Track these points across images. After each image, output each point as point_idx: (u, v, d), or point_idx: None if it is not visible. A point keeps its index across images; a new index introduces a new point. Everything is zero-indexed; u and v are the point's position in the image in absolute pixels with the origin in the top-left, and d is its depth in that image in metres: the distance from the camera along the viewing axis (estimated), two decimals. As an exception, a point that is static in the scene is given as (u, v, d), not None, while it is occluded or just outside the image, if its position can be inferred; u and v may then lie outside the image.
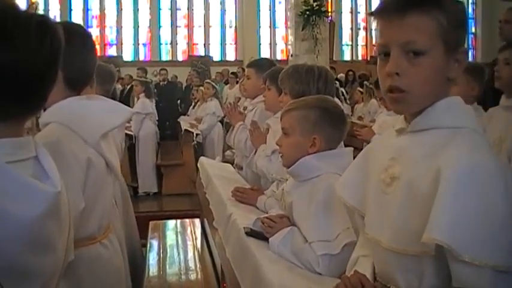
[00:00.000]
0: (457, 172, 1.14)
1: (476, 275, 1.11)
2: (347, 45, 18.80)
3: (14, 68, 1.10)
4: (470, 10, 18.64)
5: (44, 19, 1.16)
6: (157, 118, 8.53)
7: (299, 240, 1.87)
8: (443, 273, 1.18)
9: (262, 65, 3.73)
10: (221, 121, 8.29)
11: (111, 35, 17.52)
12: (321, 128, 2.00)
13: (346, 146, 2.22)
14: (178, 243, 4.20)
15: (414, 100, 1.28)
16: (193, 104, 9.95)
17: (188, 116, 9.89)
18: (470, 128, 1.25)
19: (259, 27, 18.01)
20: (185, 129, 8.19)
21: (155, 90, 9.56)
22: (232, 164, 3.97)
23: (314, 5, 11.82)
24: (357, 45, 18.90)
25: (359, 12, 18.80)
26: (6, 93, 1.11)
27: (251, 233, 2.04)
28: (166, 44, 17.78)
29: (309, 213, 1.88)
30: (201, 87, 9.20)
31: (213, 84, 8.74)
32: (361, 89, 9.90)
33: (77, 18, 16.41)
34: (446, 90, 1.29)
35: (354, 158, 2.07)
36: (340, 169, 1.95)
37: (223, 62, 17.20)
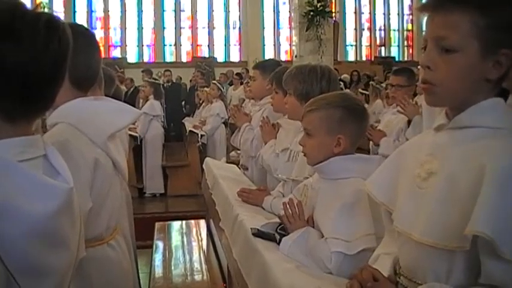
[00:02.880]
0: (502, 170, 1.15)
1: (509, 272, 1.12)
2: (351, 45, 18.76)
3: (23, 68, 1.10)
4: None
5: (52, 18, 1.16)
6: (162, 120, 8.54)
7: (314, 239, 1.86)
8: (472, 270, 1.20)
9: (268, 66, 3.74)
10: (224, 123, 8.29)
11: (115, 36, 17.54)
12: (346, 127, 1.99)
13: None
14: (183, 244, 4.22)
15: (443, 94, 1.31)
16: (198, 105, 9.95)
17: (193, 117, 9.89)
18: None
19: (263, 28, 18.01)
20: (190, 130, 8.19)
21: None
22: (237, 165, 3.97)
23: (318, 6, 11.81)
24: (361, 45, 18.85)
25: (363, 13, 18.76)
26: (15, 94, 1.11)
27: (258, 234, 2.03)
28: (170, 45, 17.78)
29: (332, 213, 1.86)
30: (206, 88, 9.20)
31: (219, 85, 8.74)
32: (362, 91, 9.87)
33: (81, 19, 16.43)
34: (487, 90, 1.29)
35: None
36: (369, 175, 1.95)
37: (227, 63, 17.20)
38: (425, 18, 1.35)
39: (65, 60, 1.19)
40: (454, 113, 1.32)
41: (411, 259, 1.35)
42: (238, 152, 4.47)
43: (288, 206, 1.97)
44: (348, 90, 9.74)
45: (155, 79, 9.61)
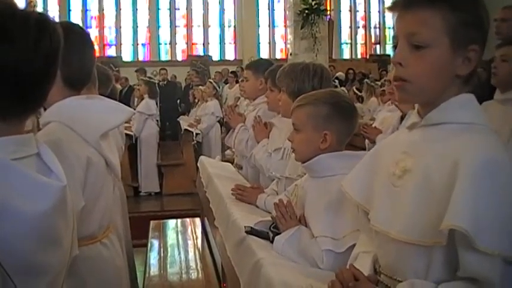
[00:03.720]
0: (475, 165, 1.17)
1: (486, 264, 1.14)
2: (346, 43, 18.78)
3: (14, 67, 1.11)
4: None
5: (43, 17, 1.17)
6: (157, 118, 8.53)
7: (306, 238, 1.87)
8: (451, 264, 1.21)
9: (260, 66, 3.73)
10: (220, 121, 8.30)
11: (110, 35, 17.51)
12: (332, 123, 2.00)
13: (348, 144, 2.21)
14: (179, 242, 4.21)
15: (415, 90, 1.32)
16: (193, 103, 9.95)
17: (188, 116, 9.89)
18: (483, 124, 1.29)
19: (258, 26, 18.00)
20: (185, 129, 8.20)
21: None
22: (232, 163, 3.97)
23: (313, 4, 11.81)
24: (356, 43, 18.87)
25: (358, 11, 18.78)
26: (7, 92, 1.12)
27: (251, 232, 2.04)
28: (165, 44, 17.77)
29: (320, 210, 1.88)
30: (201, 87, 9.20)
31: (214, 84, 8.75)
32: (356, 91, 9.89)
33: (75, 18, 16.38)
34: (457, 86, 1.32)
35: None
36: None
37: (222, 61, 17.19)
38: None
39: (56, 57, 1.19)
40: (426, 111, 1.34)
41: (390, 257, 1.36)
42: (233, 150, 4.46)
43: (278, 206, 1.99)
44: (343, 88, 9.77)
45: (150, 78, 9.60)
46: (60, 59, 1.20)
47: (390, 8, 1.37)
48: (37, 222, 1.09)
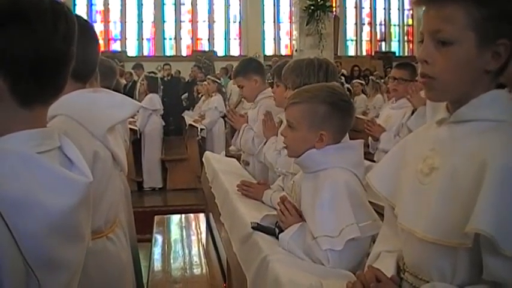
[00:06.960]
0: (504, 165, 1.14)
1: (510, 269, 1.11)
2: (351, 40, 18.74)
3: (35, 50, 1.10)
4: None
5: (54, 0, 1.17)
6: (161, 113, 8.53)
7: (309, 237, 1.84)
8: (477, 266, 1.19)
9: (246, 68, 3.77)
10: (223, 117, 8.28)
11: (115, 30, 17.50)
12: (329, 123, 1.95)
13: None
14: (183, 237, 4.21)
15: (442, 88, 1.29)
16: (197, 99, 9.95)
17: (192, 111, 9.88)
18: None
19: (264, 22, 17.97)
20: (189, 124, 8.18)
21: (161, 87, 9.53)
22: (237, 160, 3.96)
23: (318, 0, 11.80)
24: (361, 40, 18.83)
25: (363, 8, 18.74)
26: (29, 77, 1.11)
27: (258, 228, 2.03)
28: (170, 39, 17.75)
29: (314, 208, 1.85)
30: (205, 82, 9.20)
31: (214, 79, 8.73)
32: (360, 81, 9.85)
33: (81, 13, 16.27)
34: (487, 82, 1.28)
35: (364, 152, 2.08)
36: (349, 163, 1.94)
37: (227, 57, 17.16)
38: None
39: (73, 38, 1.19)
40: (455, 107, 1.30)
41: (415, 256, 1.34)
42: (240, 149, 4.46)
43: (279, 203, 1.97)
44: (348, 86, 9.74)
45: (154, 73, 9.59)
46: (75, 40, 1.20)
47: (416, 3, 1.35)
48: (62, 217, 1.07)
